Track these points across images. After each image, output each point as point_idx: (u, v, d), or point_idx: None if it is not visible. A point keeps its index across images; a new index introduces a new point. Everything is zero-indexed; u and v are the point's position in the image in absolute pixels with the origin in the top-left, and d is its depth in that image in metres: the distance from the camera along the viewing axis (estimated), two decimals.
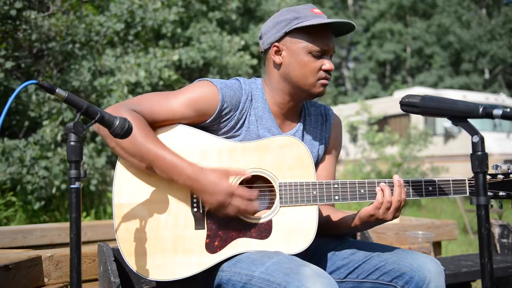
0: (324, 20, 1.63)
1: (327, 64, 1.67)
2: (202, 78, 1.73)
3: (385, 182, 1.63)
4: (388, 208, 1.60)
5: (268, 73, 1.77)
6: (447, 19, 25.77)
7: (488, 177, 1.64)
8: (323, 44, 1.66)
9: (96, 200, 6.32)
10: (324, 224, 1.76)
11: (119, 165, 1.63)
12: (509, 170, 1.64)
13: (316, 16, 1.66)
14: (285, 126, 1.79)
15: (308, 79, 1.68)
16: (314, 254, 1.77)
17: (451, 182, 1.67)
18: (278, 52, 1.71)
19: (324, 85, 1.71)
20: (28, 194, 5.38)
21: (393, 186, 1.62)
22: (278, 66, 1.72)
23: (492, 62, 24.90)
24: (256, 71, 11.69)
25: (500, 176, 1.65)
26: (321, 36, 1.66)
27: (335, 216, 1.79)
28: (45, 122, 5.66)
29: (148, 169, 1.57)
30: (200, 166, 1.57)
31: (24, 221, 5.39)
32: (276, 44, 1.70)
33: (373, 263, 1.64)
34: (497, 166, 1.64)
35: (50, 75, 6.28)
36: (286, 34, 1.68)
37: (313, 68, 1.67)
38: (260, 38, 1.78)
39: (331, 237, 1.83)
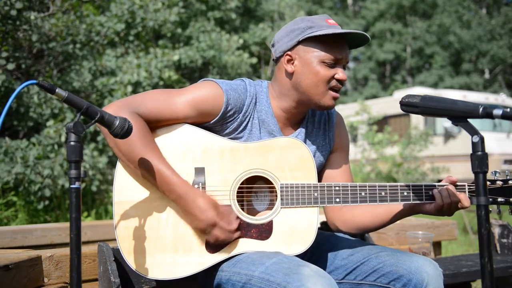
0: (339, 30, 1.62)
1: (340, 73, 1.66)
2: (207, 78, 1.71)
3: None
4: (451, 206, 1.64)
5: (278, 80, 1.74)
6: (447, 19, 25.78)
7: (487, 183, 1.66)
8: (336, 53, 1.64)
9: (97, 200, 6.32)
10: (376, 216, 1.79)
11: (120, 163, 1.62)
12: (508, 177, 1.65)
13: (331, 27, 1.65)
14: (288, 129, 1.78)
15: (319, 87, 1.65)
16: (313, 253, 1.77)
17: None
18: (290, 61, 1.69)
19: (335, 98, 1.69)
20: (31, 194, 5.38)
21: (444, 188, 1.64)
22: (290, 75, 1.70)
23: (492, 62, 24.92)
24: (256, 70, 11.69)
25: (499, 183, 1.66)
26: (334, 45, 1.64)
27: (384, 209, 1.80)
28: (49, 123, 5.66)
29: (142, 176, 1.57)
30: (195, 187, 1.58)
31: (26, 221, 5.38)
32: (289, 52, 1.68)
33: (371, 265, 1.64)
34: (495, 173, 1.66)
35: (50, 75, 6.28)
36: (299, 42, 1.66)
37: (325, 76, 1.65)
38: (273, 46, 1.76)
39: (331, 235, 1.84)
